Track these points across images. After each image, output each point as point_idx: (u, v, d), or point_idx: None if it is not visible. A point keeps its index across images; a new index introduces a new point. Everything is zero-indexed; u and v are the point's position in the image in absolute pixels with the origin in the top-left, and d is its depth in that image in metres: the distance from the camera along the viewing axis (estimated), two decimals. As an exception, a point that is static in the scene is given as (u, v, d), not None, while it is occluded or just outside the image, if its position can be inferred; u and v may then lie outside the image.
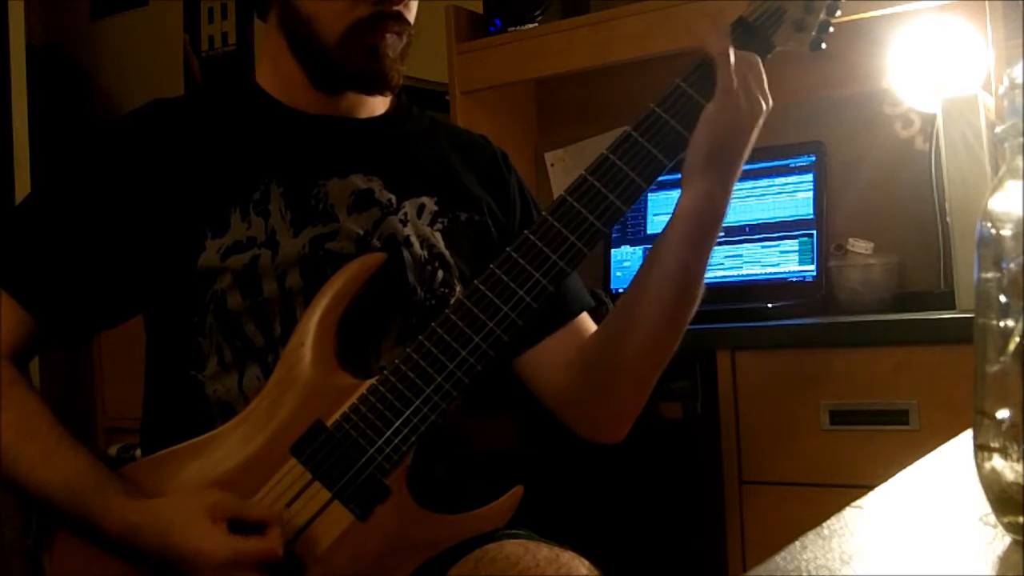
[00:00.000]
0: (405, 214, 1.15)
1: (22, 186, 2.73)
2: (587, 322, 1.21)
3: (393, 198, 1.15)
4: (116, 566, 1.02)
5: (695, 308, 1.07)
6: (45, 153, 2.79)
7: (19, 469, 1.03)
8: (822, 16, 1.05)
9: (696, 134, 1.01)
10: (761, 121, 1.01)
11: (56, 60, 3.17)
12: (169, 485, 1.03)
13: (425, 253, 1.15)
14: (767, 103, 1.02)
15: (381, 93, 1.17)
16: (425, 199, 1.17)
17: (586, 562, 1.05)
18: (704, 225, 1.03)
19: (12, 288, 1.10)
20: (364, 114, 1.21)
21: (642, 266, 1.09)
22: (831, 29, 1.06)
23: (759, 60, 1.02)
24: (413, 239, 1.14)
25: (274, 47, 1.18)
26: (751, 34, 1.03)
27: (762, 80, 1.02)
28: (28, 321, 1.10)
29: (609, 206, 1.01)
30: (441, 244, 1.16)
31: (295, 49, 1.15)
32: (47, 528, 1.07)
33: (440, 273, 1.15)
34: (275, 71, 1.19)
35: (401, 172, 1.18)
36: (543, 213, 1.03)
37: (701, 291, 1.07)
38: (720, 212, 1.03)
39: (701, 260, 1.05)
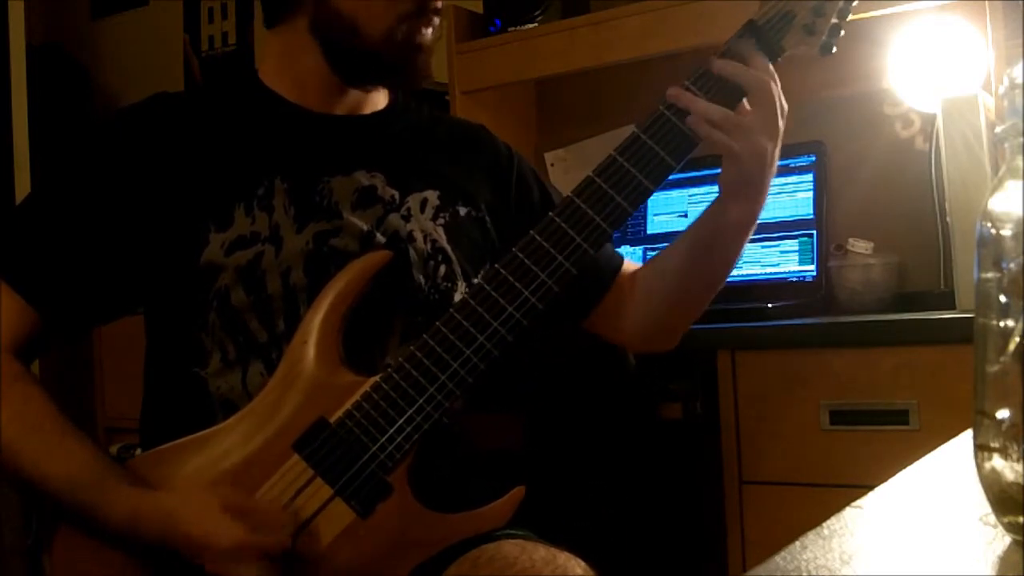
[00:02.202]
0: (408, 209, 1.16)
1: (22, 186, 2.73)
2: (626, 268, 1.28)
3: (396, 194, 1.16)
4: (118, 563, 1.02)
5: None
6: (45, 153, 2.78)
7: (23, 461, 1.03)
8: (833, 20, 1.05)
9: (724, 172, 1.06)
10: (781, 133, 1.06)
11: (56, 60, 3.17)
12: (171, 479, 1.03)
13: (428, 248, 1.15)
14: (783, 114, 1.05)
15: (415, 86, 1.20)
16: (428, 193, 1.18)
17: (582, 563, 1.05)
18: (749, 226, 1.11)
19: (15, 282, 1.10)
20: (365, 110, 1.21)
21: (690, 251, 1.16)
22: (842, 33, 1.06)
23: (772, 85, 1.03)
24: (416, 234, 1.15)
25: (293, 47, 1.17)
26: (760, 38, 1.03)
27: (776, 105, 1.04)
28: (32, 315, 1.10)
29: (616, 207, 1.02)
30: (443, 239, 1.16)
31: (330, 48, 1.15)
32: (47, 528, 1.07)
33: (442, 268, 1.15)
34: (286, 70, 1.19)
35: (403, 168, 1.18)
36: (550, 214, 1.04)
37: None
38: (760, 209, 1.10)
39: (743, 245, 1.13)
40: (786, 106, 1.04)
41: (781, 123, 1.04)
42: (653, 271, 1.24)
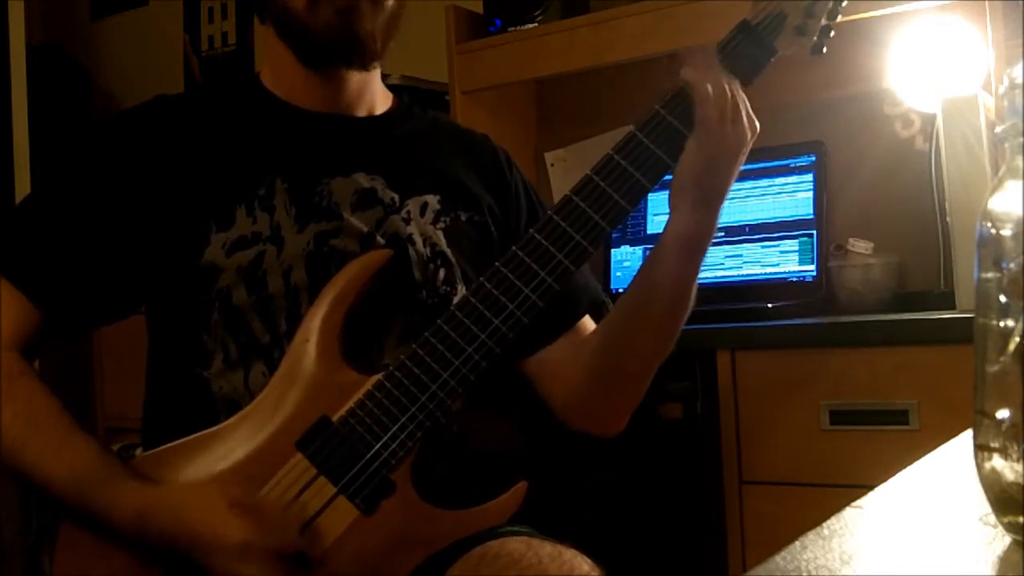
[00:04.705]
0: (408, 212, 1.16)
1: (22, 186, 2.73)
2: (587, 322, 1.23)
3: (396, 197, 1.16)
4: (121, 562, 1.02)
5: (688, 313, 1.10)
6: (45, 153, 2.79)
7: (26, 459, 1.03)
8: (823, 21, 1.06)
9: (680, 165, 1.02)
10: (747, 148, 1.02)
11: (56, 60, 3.17)
12: (174, 478, 1.03)
13: (428, 251, 1.15)
14: (753, 130, 1.02)
15: (361, 63, 1.16)
16: (428, 197, 1.18)
17: (588, 560, 1.05)
18: (692, 246, 1.05)
19: (18, 280, 1.10)
20: (364, 112, 1.21)
21: (635, 281, 1.12)
22: (832, 33, 1.06)
23: (739, 87, 1.02)
24: (416, 237, 1.15)
25: (271, 43, 1.19)
26: (753, 38, 1.04)
27: (744, 106, 1.01)
28: (34, 313, 1.10)
29: (614, 206, 1.02)
30: (443, 243, 1.16)
31: (281, 34, 1.16)
32: (48, 528, 1.07)
33: (442, 271, 1.15)
34: (274, 69, 1.21)
35: (403, 171, 1.18)
36: (549, 212, 1.04)
37: (694, 297, 1.09)
38: (708, 234, 1.05)
39: (692, 274, 1.07)
40: (757, 126, 1.02)
41: (747, 136, 1.01)
42: (600, 323, 1.19)
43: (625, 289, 1.14)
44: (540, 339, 1.19)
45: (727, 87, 1.00)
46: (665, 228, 1.06)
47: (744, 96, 1.02)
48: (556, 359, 1.19)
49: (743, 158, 1.02)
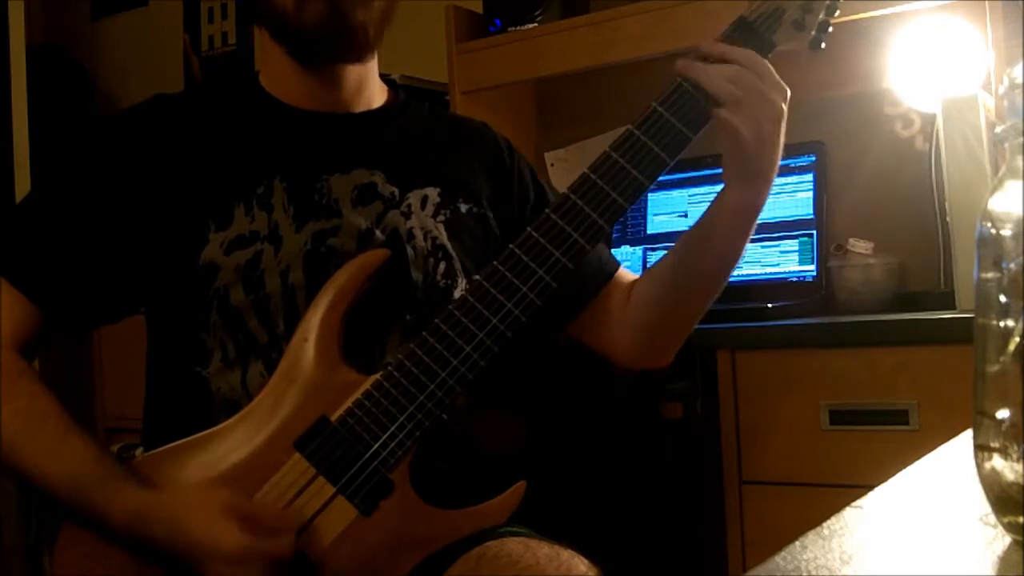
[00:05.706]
0: (408, 206, 1.16)
1: (22, 186, 2.73)
2: (623, 277, 1.26)
3: (396, 191, 1.16)
4: (120, 563, 1.02)
5: (737, 266, 1.16)
6: (45, 153, 2.78)
7: (25, 458, 1.03)
8: (821, 16, 1.06)
9: (725, 153, 1.05)
10: (784, 114, 1.04)
11: (56, 60, 3.17)
12: (173, 480, 1.03)
13: (428, 245, 1.15)
14: (784, 96, 1.04)
15: (355, 56, 1.16)
16: (428, 190, 1.18)
17: (585, 560, 1.05)
18: (747, 214, 1.09)
19: (17, 279, 1.10)
20: (361, 107, 1.21)
21: (687, 245, 1.16)
22: (830, 29, 1.07)
23: (756, 56, 1.03)
24: (416, 232, 1.15)
25: (266, 46, 1.19)
26: (751, 34, 1.04)
27: (768, 76, 1.02)
28: (34, 312, 1.11)
29: (612, 204, 1.02)
30: (444, 236, 1.17)
31: (273, 35, 1.16)
32: (48, 527, 1.07)
33: (442, 265, 1.16)
34: (270, 71, 1.21)
35: (403, 165, 1.18)
36: (547, 211, 1.04)
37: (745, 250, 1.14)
38: (762, 201, 1.09)
39: (744, 243, 1.12)
40: (787, 90, 1.04)
41: (779, 103, 1.03)
42: (648, 276, 1.22)
43: (672, 249, 1.18)
44: (567, 313, 1.22)
45: (733, 79, 1.01)
46: (718, 198, 1.10)
47: (762, 69, 1.03)
48: (598, 319, 1.23)
49: (782, 125, 1.05)
